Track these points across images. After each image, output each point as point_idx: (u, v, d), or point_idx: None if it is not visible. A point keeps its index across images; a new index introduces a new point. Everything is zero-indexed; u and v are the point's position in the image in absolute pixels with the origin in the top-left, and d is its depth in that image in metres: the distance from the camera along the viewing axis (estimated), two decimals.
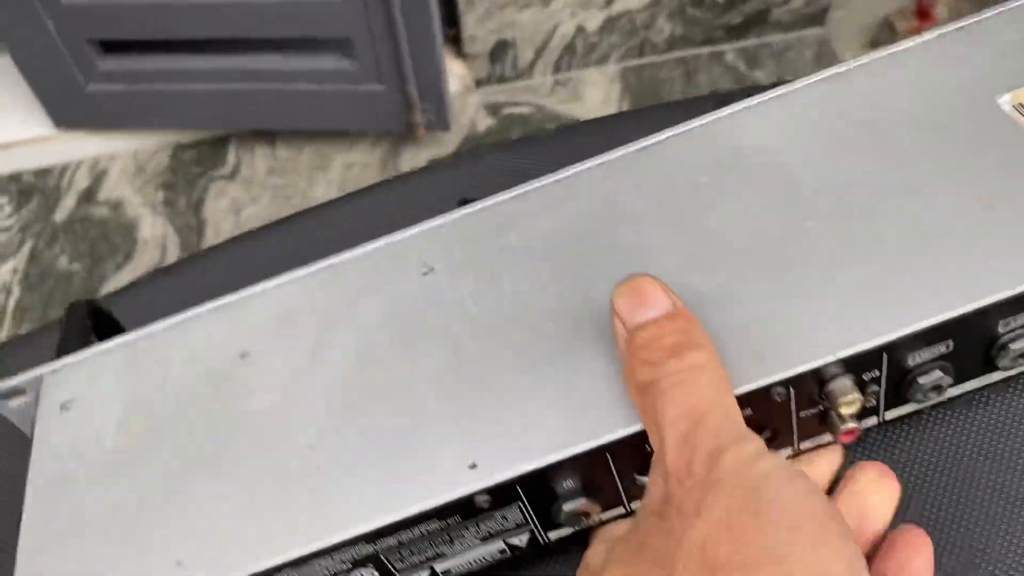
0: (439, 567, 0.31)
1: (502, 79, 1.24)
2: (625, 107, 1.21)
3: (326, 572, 0.30)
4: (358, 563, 0.30)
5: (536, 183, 0.36)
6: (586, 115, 1.22)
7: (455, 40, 1.19)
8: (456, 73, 1.21)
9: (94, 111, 1.14)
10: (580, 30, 1.19)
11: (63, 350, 0.36)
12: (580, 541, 0.32)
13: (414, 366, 0.32)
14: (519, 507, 0.30)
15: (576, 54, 1.22)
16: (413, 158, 1.18)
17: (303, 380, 0.33)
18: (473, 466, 0.29)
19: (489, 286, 0.34)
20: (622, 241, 0.33)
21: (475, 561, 0.32)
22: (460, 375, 0.32)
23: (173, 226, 1.14)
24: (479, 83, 1.23)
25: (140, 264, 1.11)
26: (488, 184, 0.39)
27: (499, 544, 0.31)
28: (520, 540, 0.31)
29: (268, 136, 1.20)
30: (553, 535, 0.32)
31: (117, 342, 0.36)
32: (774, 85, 0.37)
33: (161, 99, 1.12)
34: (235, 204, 1.15)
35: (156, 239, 1.13)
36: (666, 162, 0.35)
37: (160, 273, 0.48)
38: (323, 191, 1.16)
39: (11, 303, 1.09)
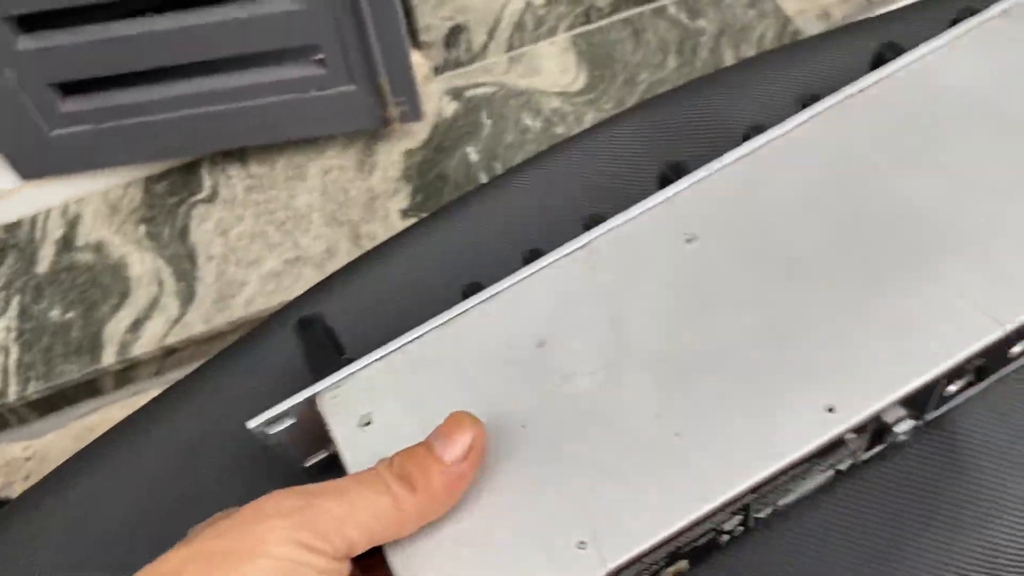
0: (782, 501, 0.34)
1: (458, 63, 1.25)
2: (583, 74, 1.25)
3: (708, 525, 0.32)
4: (734, 512, 0.32)
5: (764, 138, 0.37)
6: (546, 87, 1.25)
7: (410, 32, 1.20)
8: (415, 63, 1.22)
9: (60, 156, 1.12)
10: (528, 5, 1.22)
11: (318, 369, 0.36)
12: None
13: (723, 328, 0.33)
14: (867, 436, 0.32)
15: (527, 29, 1.25)
16: (388, 153, 1.19)
17: (617, 357, 0.34)
18: (831, 409, 0.31)
19: (760, 246, 0.34)
20: (875, 188, 0.35)
21: (811, 488, 0.34)
22: (774, 330, 0.33)
23: (163, 258, 1.13)
24: (437, 70, 1.25)
25: (138, 302, 1.09)
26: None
27: (833, 470, 0.34)
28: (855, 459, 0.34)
29: (238, 154, 1.20)
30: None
31: (386, 350, 0.36)
32: None
33: (128, 134, 1.10)
34: (221, 225, 1.15)
35: (149, 273, 1.11)
36: (893, 108, 0.37)
37: (341, 275, 0.48)
38: (306, 200, 1.17)
39: (11, 362, 1.07)
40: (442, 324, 0.37)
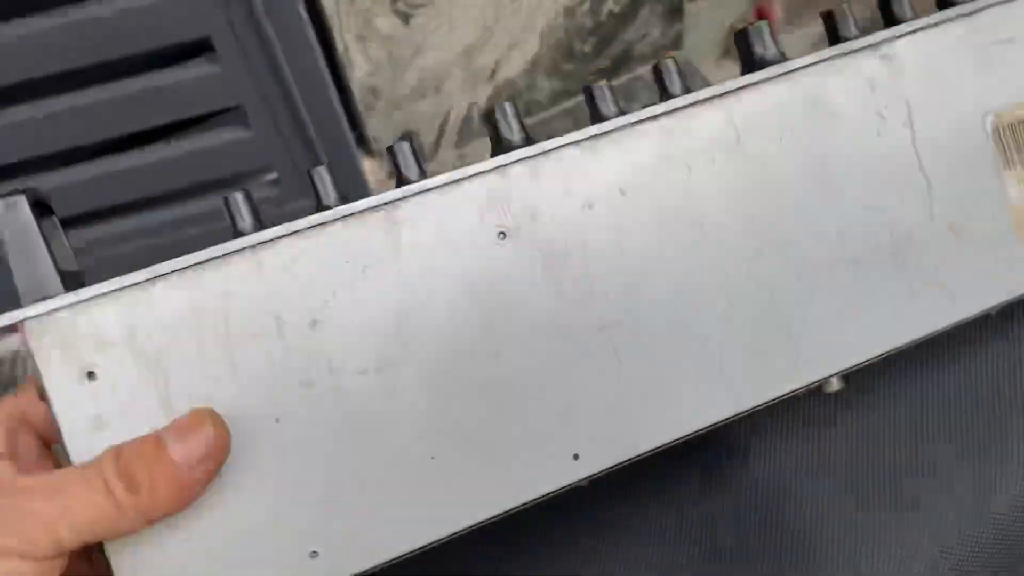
0: None
1: None
2: None
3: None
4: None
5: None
6: None
7: (361, 141, 1.27)
8: (368, 170, 1.29)
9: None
10: (472, 106, 1.29)
11: (30, 284, 0.30)
12: None
13: (509, 350, 0.31)
14: None
15: (472, 127, 1.32)
16: None
17: (394, 358, 0.31)
18: (576, 456, 0.31)
19: (573, 251, 0.33)
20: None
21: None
22: (551, 366, 0.32)
23: None
24: (390, 174, 1.31)
25: None
26: None
27: None
28: None
29: None
30: None
31: (129, 281, 0.32)
32: None
33: (107, 265, 1.16)
34: None
35: None
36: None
37: None
38: None
39: None
40: (203, 263, 0.31)
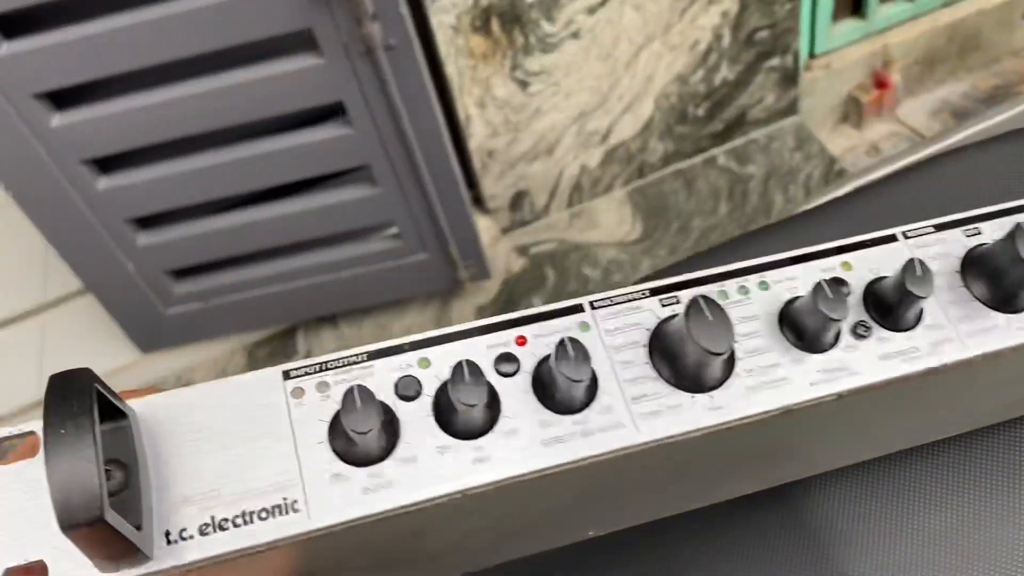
0: None
1: (523, 223, 1.37)
2: (638, 224, 1.34)
3: None
4: None
5: None
6: (604, 239, 1.34)
7: (477, 200, 1.32)
8: (483, 227, 1.34)
9: (174, 331, 1.27)
10: (584, 168, 1.33)
11: None
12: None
13: None
14: None
15: (584, 188, 1.36)
16: (461, 309, 1.30)
17: None
18: None
19: None
20: None
21: None
22: None
23: None
24: (504, 231, 1.36)
25: None
26: None
27: None
28: None
29: (330, 319, 1.32)
30: None
31: None
32: None
33: (233, 308, 1.25)
34: None
35: None
36: None
37: None
38: None
39: None
40: None
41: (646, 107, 1.28)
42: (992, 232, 0.35)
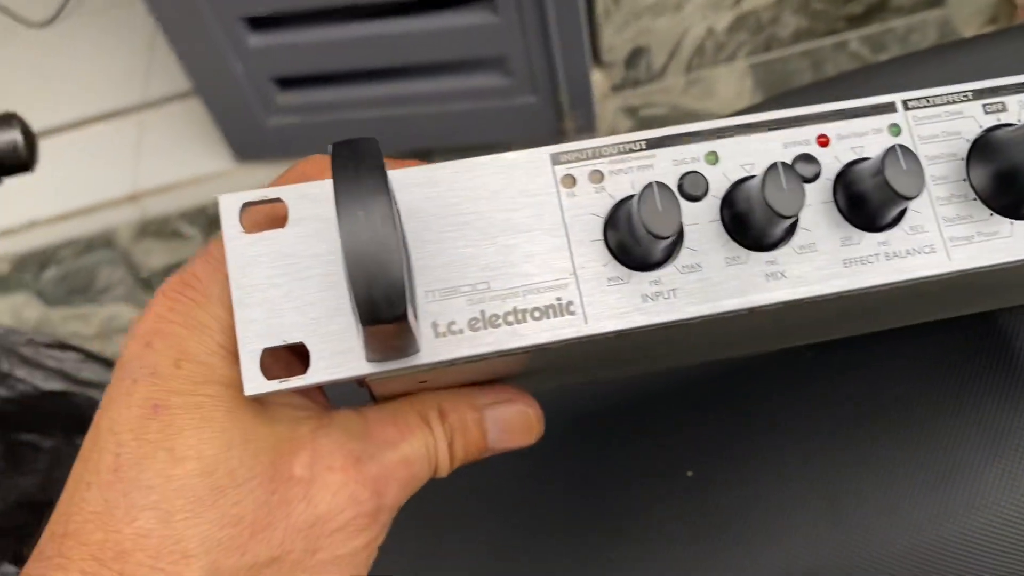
0: None
1: (637, 83, 1.31)
2: (758, 100, 1.27)
3: None
4: None
5: None
6: (719, 110, 1.28)
7: (593, 50, 1.27)
8: (595, 80, 1.29)
9: (271, 143, 1.26)
10: (710, 31, 1.26)
11: None
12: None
13: None
14: None
15: (706, 54, 1.29)
16: None
17: None
18: None
19: None
20: None
21: None
22: None
23: None
24: (615, 88, 1.31)
25: None
26: None
27: None
28: None
29: (425, 154, 1.30)
30: None
31: None
32: None
33: (332, 127, 1.23)
34: None
35: None
36: None
37: None
38: None
39: None
40: None
41: None
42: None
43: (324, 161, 0.27)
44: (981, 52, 0.50)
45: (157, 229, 1.31)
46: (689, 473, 0.40)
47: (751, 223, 0.26)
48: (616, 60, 1.26)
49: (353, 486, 0.24)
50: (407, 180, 0.26)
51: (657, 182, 0.24)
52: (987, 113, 0.27)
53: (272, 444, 0.24)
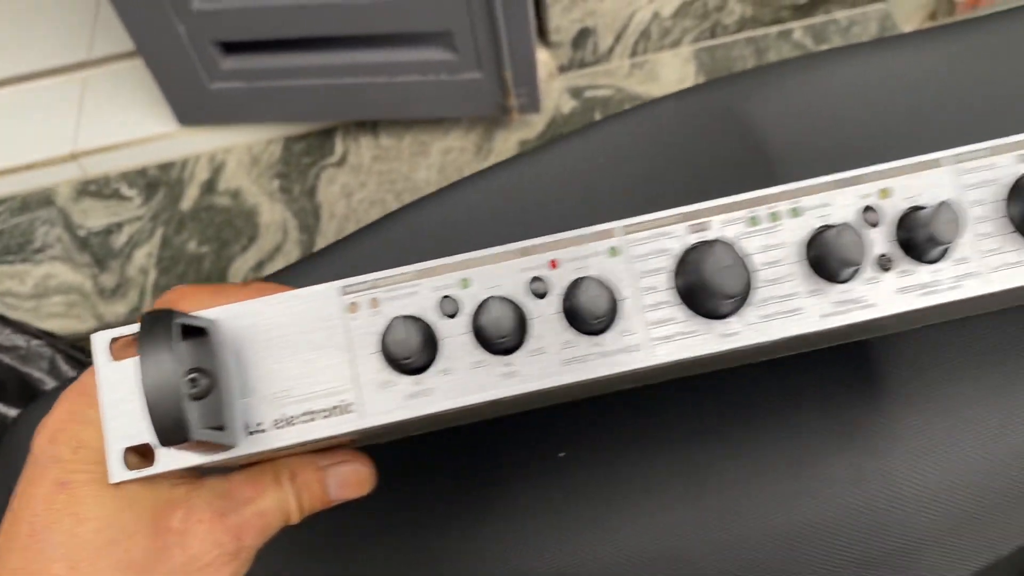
0: None
1: (582, 64, 1.32)
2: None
3: None
4: None
5: None
6: (661, 94, 1.30)
7: (540, 30, 1.28)
8: (541, 60, 1.30)
9: (215, 108, 1.25)
10: (656, 16, 1.27)
11: None
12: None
13: None
14: None
15: (651, 38, 1.31)
16: (505, 140, 1.28)
17: None
18: None
19: None
20: None
21: None
22: None
23: (291, 211, 1.24)
24: (561, 69, 1.32)
25: (264, 246, 1.21)
26: None
27: None
28: None
29: (371, 126, 1.30)
30: None
31: None
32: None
33: (276, 95, 1.22)
34: (346, 189, 1.26)
35: (277, 223, 1.23)
36: None
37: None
38: (424, 175, 1.26)
39: (149, 283, 1.21)
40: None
41: None
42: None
43: (189, 291, 0.34)
44: (914, 48, 0.52)
45: (97, 189, 1.30)
46: (561, 454, 0.42)
47: (490, 336, 0.32)
48: (563, 40, 1.28)
49: (217, 533, 0.32)
50: (234, 313, 0.33)
51: (404, 316, 0.32)
52: (692, 231, 0.33)
53: (153, 504, 0.31)
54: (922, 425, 0.41)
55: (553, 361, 0.32)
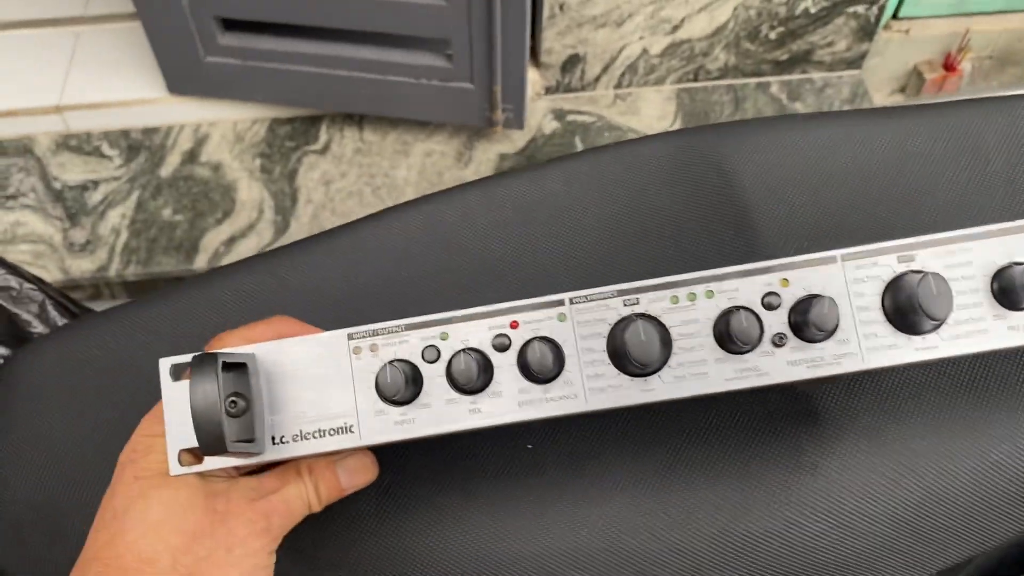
0: None
1: (568, 88, 1.37)
2: (677, 124, 1.35)
3: None
4: None
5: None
6: (641, 128, 1.35)
7: (533, 51, 1.32)
8: (530, 79, 1.34)
9: (206, 81, 1.27)
10: (644, 52, 1.33)
11: None
12: None
13: None
14: None
15: (638, 72, 1.36)
16: (485, 151, 1.32)
17: None
18: None
19: None
20: None
21: None
22: None
23: (269, 191, 1.27)
24: (548, 90, 1.37)
25: (238, 222, 1.23)
26: None
27: None
28: None
29: (356, 119, 1.33)
30: None
31: None
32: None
33: (268, 76, 1.25)
34: (325, 177, 1.28)
35: (254, 201, 1.25)
36: None
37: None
38: (404, 174, 1.29)
39: (119, 244, 1.22)
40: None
41: (725, 12, 1.27)
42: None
43: (227, 335, 0.43)
44: (880, 124, 0.57)
45: (78, 144, 1.31)
46: (529, 446, 0.47)
47: (460, 380, 0.40)
48: (553, 63, 1.32)
49: (249, 514, 0.41)
50: (267, 350, 0.41)
51: (394, 360, 0.40)
52: (625, 305, 0.40)
53: (203, 492, 0.40)
54: (857, 449, 0.46)
55: (511, 403, 0.40)
